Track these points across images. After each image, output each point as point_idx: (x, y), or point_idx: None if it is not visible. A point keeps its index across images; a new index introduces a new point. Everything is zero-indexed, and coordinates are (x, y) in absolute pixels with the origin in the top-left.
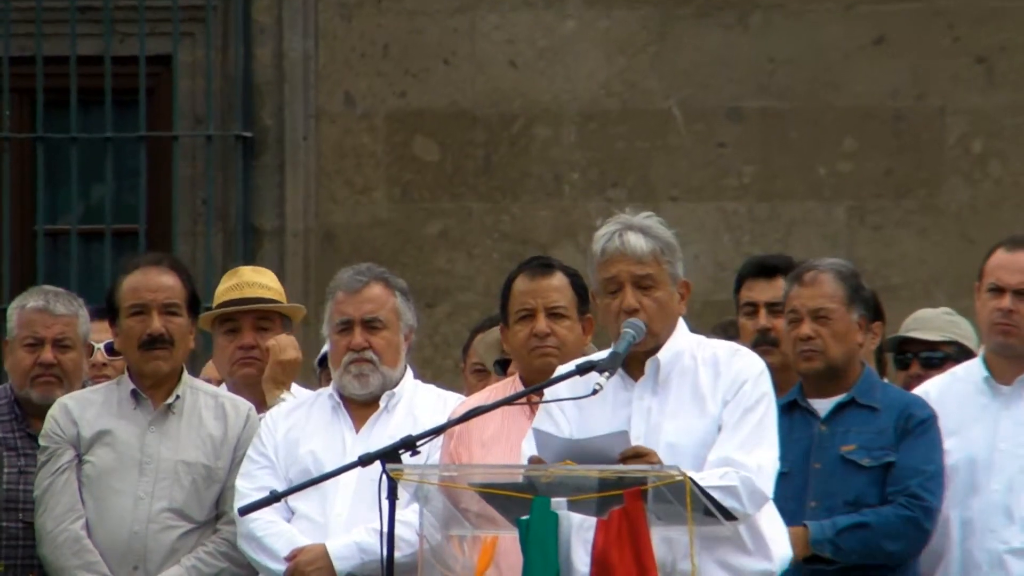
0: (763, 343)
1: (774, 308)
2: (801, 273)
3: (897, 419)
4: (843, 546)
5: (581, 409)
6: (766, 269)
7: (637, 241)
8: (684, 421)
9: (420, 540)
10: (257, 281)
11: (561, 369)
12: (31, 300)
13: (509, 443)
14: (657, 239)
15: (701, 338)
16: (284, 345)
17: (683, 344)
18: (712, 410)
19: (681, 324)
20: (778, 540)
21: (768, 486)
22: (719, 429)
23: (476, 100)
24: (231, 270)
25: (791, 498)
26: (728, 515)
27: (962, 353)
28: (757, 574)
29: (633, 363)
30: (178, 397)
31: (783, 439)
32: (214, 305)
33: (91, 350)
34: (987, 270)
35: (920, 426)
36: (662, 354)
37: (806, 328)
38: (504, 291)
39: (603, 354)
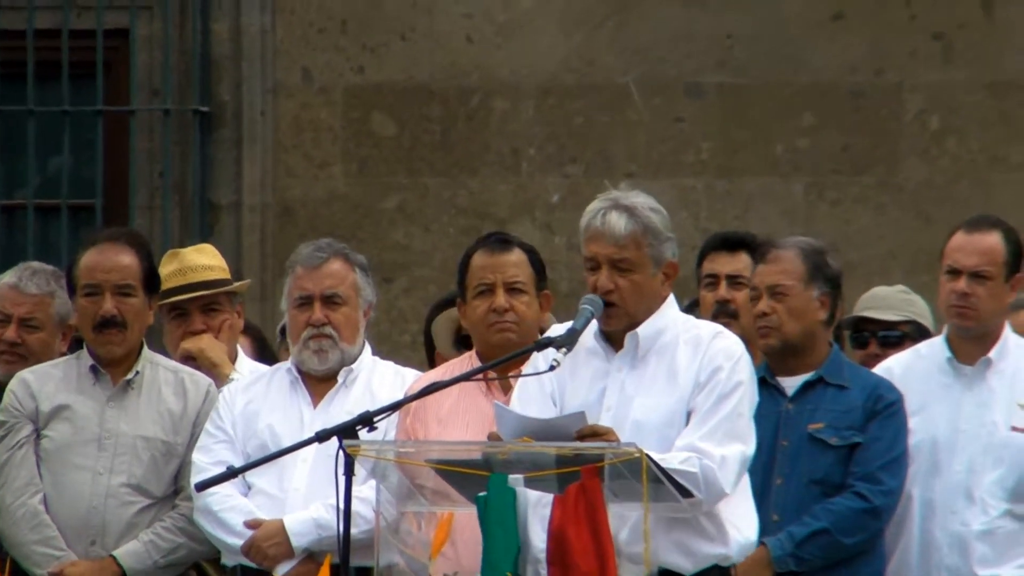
0: (722, 315)
1: (735, 280)
2: (764, 251)
3: (866, 400)
4: (806, 556)
5: (559, 378)
6: (729, 242)
7: (618, 223)
8: (653, 399)
9: (376, 516)
10: (199, 263)
11: (553, 329)
12: (8, 275)
13: (465, 419)
14: (640, 221)
15: (689, 318)
16: (205, 351)
17: (667, 322)
18: (683, 388)
19: (670, 303)
20: (741, 526)
21: (728, 480)
22: (688, 410)
23: (434, 75)
24: (170, 252)
25: (757, 474)
26: (685, 492)
27: (919, 332)
28: (713, 558)
29: (616, 338)
30: (137, 373)
31: None
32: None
33: (72, 331)
34: (946, 252)
35: (888, 408)
36: (642, 329)
37: (762, 304)
38: (461, 267)
39: (563, 327)
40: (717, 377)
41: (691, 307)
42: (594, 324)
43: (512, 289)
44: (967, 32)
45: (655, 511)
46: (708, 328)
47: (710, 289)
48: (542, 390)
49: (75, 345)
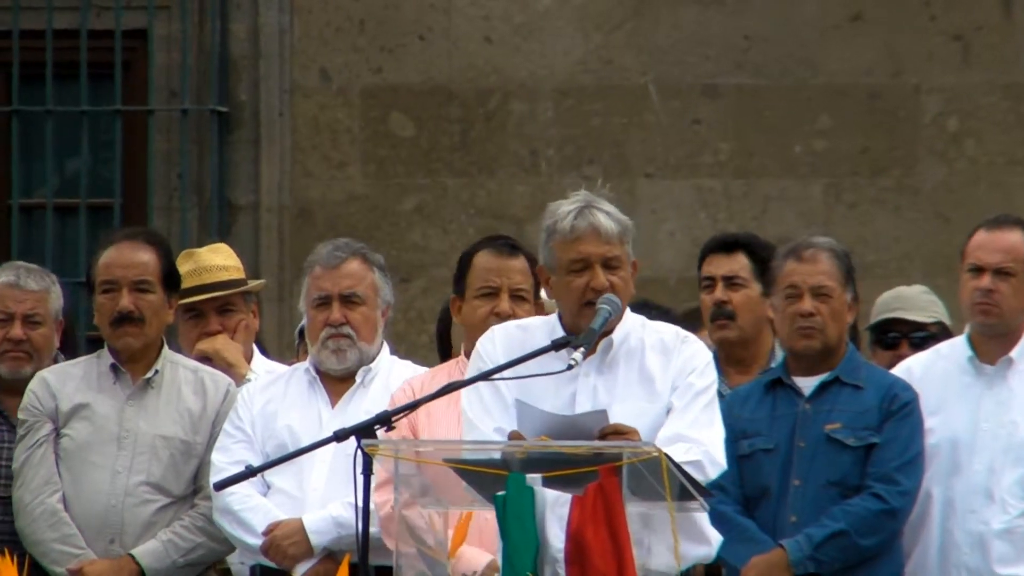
0: (720, 317)
1: (732, 282)
2: (799, 250)
3: (882, 400)
4: (824, 559)
5: (522, 383)
6: (726, 244)
7: (607, 222)
8: (634, 404)
9: (396, 515)
10: (215, 263)
11: (488, 343)
12: (2, 275)
13: (457, 416)
14: (620, 221)
15: (644, 319)
16: (220, 351)
17: (629, 325)
18: (662, 395)
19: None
20: (711, 525)
21: (723, 457)
22: (667, 413)
23: (452, 76)
24: (186, 251)
25: (775, 475)
26: (703, 491)
27: (944, 332)
28: (698, 558)
29: None
30: (157, 371)
31: (766, 416)
32: None
33: (63, 325)
34: (968, 250)
35: (904, 408)
36: (616, 334)
37: (807, 304)
38: (462, 263)
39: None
40: (691, 378)
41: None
42: (554, 328)
43: (516, 296)
44: (985, 34)
45: (650, 516)
46: (671, 332)
47: (708, 291)
48: (502, 400)
49: (66, 338)
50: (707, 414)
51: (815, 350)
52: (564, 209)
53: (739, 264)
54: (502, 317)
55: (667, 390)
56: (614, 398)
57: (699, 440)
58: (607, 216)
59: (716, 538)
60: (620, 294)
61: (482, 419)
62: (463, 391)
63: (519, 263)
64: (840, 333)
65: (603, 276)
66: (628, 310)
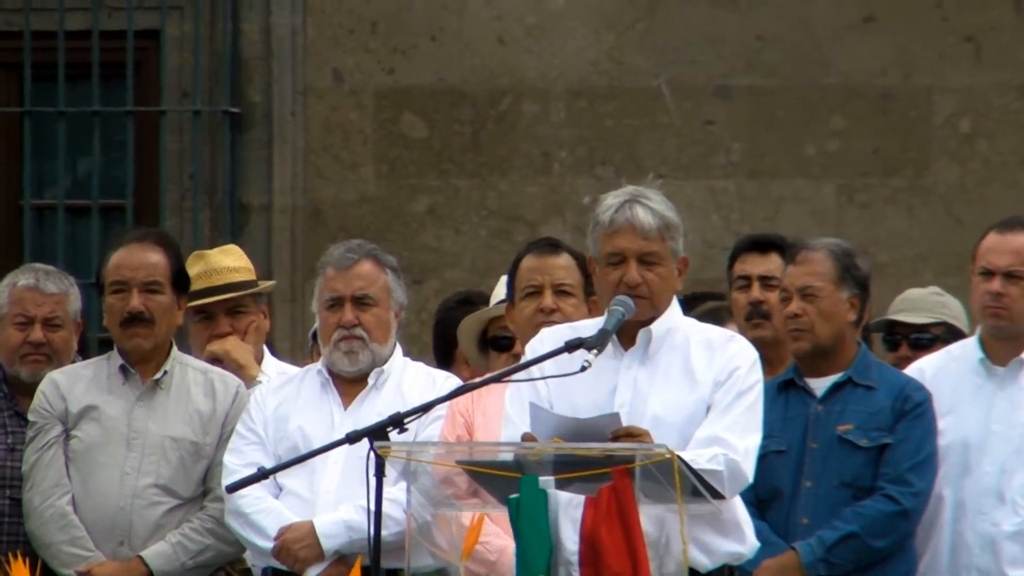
0: (755, 316)
1: (767, 282)
2: (795, 252)
3: (895, 400)
4: (836, 561)
5: (557, 380)
6: (760, 244)
7: (646, 217)
8: (673, 395)
9: (408, 518)
10: (225, 265)
11: (537, 344)
12: (22, 278)
13: None
14: (662, 216)
15: (694, 320)
16: (231, 352)
17: (676, 322)
18: (703, 389)
19: (675, 304)
20: (749, 524)
21: (751, 471)
22: (708, 409)
23: (464, 77)
24: (196, 253)
25: (787, 477)
26: (716, 493)
27: (951, 334)
28: (730, 556)
29: (624, 333)
30: (166, 372)
31: (779, 417)
32: None
33: (81, 327)
34: (979, 253)
35: (916, 409)
36: (655, 326)
37: (793, 306)
38: (511, 271)
39: (586, 320)
40: (736, 375)
41: (691, 300)
42: (597, 323)
43: (560, 292)
44: (998, 34)
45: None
46: (719, 332)
47: (743, 291)
48: (537, 397)
49: (83, 341)
50: (748, 417)
51: (805, 351)
52: (608, 202)
53: (774, 264)
54: (546, 312)
55: (708, 384)
56: (654, 388)
57: (734, 447)
58: (648, 211)
59: (753, 541)
60: (656, 290)
61: (521, 416)
62: (507, 390)
63: (562, 260)
64: (835, 332)
65: (636, 271)
66: (678, 309)
